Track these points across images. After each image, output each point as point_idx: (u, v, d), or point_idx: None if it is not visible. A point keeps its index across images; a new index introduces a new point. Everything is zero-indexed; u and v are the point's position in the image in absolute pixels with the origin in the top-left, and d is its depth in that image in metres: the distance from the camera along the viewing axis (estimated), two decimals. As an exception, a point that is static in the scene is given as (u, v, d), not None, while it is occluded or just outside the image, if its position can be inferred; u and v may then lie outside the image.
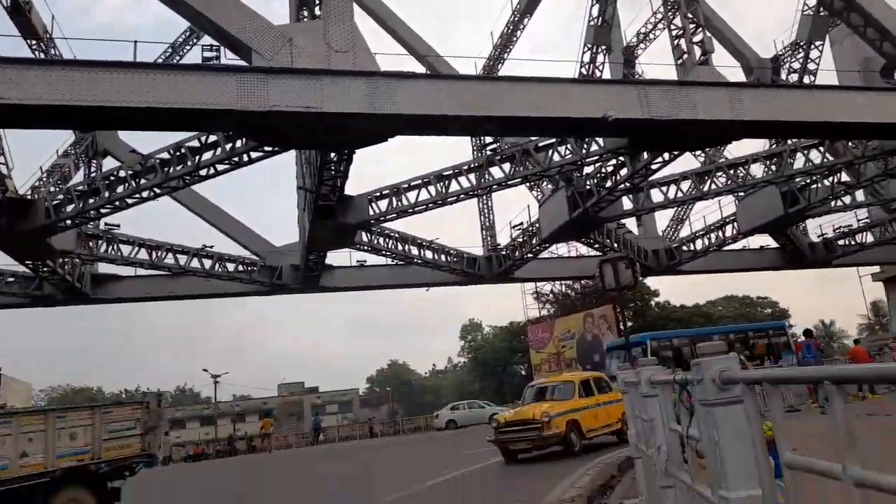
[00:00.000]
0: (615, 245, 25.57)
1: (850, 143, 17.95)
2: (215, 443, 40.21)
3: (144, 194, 15.96)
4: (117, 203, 16.16)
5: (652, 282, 51.90)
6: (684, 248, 28.39)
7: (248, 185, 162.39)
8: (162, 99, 10.94)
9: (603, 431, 12.91)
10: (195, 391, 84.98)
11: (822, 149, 18.75)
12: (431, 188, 18.10)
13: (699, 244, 27.60)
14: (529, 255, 24.86)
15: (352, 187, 19.33)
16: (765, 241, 30.54)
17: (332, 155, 14.29)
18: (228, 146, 14.77)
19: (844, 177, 20.47)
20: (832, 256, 30.57)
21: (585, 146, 16.06)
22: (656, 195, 21.02)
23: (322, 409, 60.49)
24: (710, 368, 2.11)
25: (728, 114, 14.17)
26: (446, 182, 17.95)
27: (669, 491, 3.51)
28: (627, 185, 17.80)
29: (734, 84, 14.55)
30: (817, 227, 32.95)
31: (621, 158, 17.74)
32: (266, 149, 14.19)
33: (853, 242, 30.02)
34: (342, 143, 13.33)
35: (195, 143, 15.07)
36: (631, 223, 28.78)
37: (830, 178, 20.65)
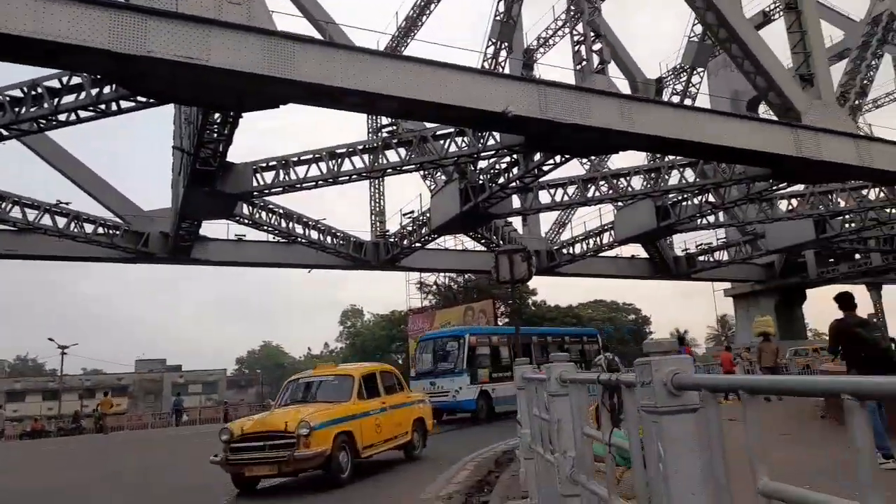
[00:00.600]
0: (501, 242, 26.08)
1: (721, 166, 19.32)
2: (59, 419, 36.60)
3: (-12, 134, 13.91)
4: (-48, 141, 13.98)
5: (531, 281, 53.88)
6: (564, 251, 29.57)
7: (114, 139, 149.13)
8: (18, 26, 9.48)
9: (386, 447, 9.93)
10: (39, 362, 77.16)
11: (694, 169, 20.06)
12: (322, 164, 17.33)
13: (578, 248, 28.83)
14: (417, 245, 24.70)
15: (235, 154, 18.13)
16: (636, 251, 32.61)
17: (216, 116, 13.23)
18: (94, 91, 13.20)
19: (711, 198, 22.05)
20: (692, 270, 33.19)
21: (483, 140, 16.04)
22: (544, 196, 21.57)
23: (184, 388, 57.04)
24: (661, 369, 1.80)
25: (618, 123, 14.66)
26: (339, 160, 17.25)
27: (573, 500, 3.28)
28: (519, 183, 18.05)
29: (626, 96, 15.10)
30: (682, 243, 35.79)
31: (515, 157, 18.00)
32: (139, 99, 12.82)
33: (711, 259, 32.79)
34: (228, 103, 12.31)
35: (55, 84, 13.34)
36: (517, 223, 29.57)
37: (700, 198, 22.20)
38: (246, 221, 20.83)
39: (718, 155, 16.95)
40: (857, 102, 19.00)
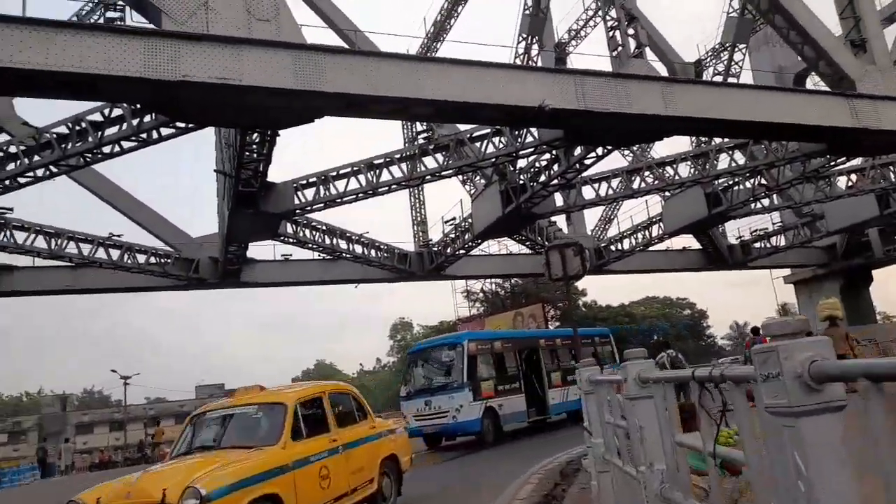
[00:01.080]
0: (546, 243, 25.60)
1: (772, 145, 18.46)
2: (125, 449, 37.61)
3: (39, 172, 14.35)
4: (7, 182, 14.46)
5: (580, 282, 52.97)
6: (612, 247, 28.80)
7: (160, 168, 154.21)
8: (55, 61, 9.69)
9: None
10: (105, 394, 79.90)
11: (744, 151, 19.22)
12: (361, 177, 17.29)
13: (626, 244, 28.05)
14: (461, 252, 24.44)
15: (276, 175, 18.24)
16: (687, 242, 31.57)
17: (254, 135, 13.29)
18: (135, 121, 13.47)
19: (764, 181, 21.09)
20: (748, 258, 31.87)
21: (520, 138, 15.71)
22: (588, 192, 21.05)
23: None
24: (792, 357, 1.38)
25: (661, 108, 14.13)
26: (377, 171, 17.18)
27: None
28: (560, 180, 17.61)
29: (667, 79, 14.57)
30: (736, 230, 34.48)
31: (555, 153, 17.59)
32: (178, 125, 13.00)
33: (768, 245, 31.42)
34: (264, 121, 12.36)
35: (97, 117, 13.67)
36: (561, 222, 29.03)
37: (752, 181, 21.27)
38: (291, 240, 20.97)
39: (769, 133, 16.16)
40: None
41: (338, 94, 11.27)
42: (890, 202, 24.59)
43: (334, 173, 17.48)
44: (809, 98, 15.94)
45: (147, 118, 13.41)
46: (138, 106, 13.04)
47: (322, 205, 17.46)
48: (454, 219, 24.09)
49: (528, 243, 24.82)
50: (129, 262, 21.79)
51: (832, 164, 19.61)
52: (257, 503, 5.65)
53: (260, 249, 26.82)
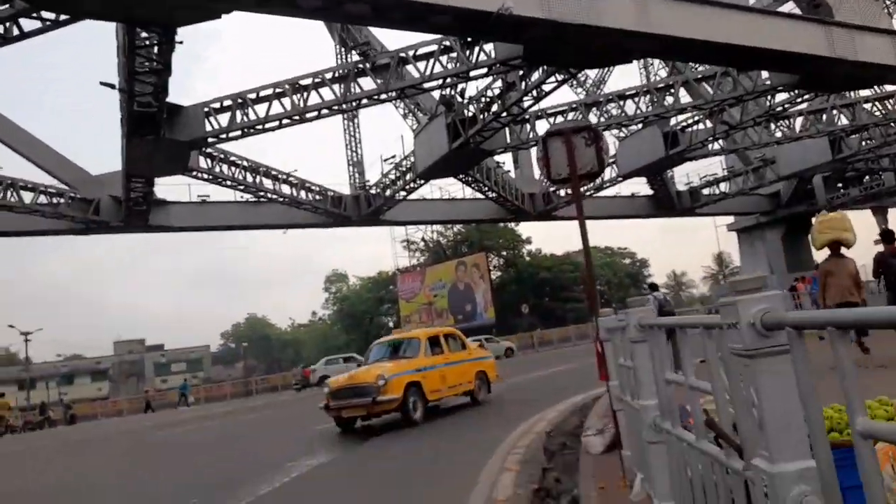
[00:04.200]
0: (494, 186, 23.79)
1: (740, 77, 17.05)
2: (26, 412, 34.30)
3: None
4: None
5: (525, 228, 51.78)
6: (560, 192, 27.31)
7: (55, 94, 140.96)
8: None
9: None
10: (11, 350, 74.05)
11: (711, 83, 17.76)
12: (286, 100, 14.76)
13: (576, 188, 26.59)
14: (402, 194, 22.33)
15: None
16: (636, 188, 30.55)
17: (144, 35, 10.63)
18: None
19: (726, 118, 19.79)
20: (696, 205, 31.18)
21: (472, 56, 13.56)
22: (541, 127, 19.16)
23: (167, 368, 54.85)
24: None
25: (634, 23, 12.33)
26: (304, 93, 14.68)
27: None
28: (516, 109, 15.67)
29: (642, -11, 12.63)
30: (685, 177, 33.71)
31: (510, 79, 15.57)
32: (44, 16, 10.17)
33: (716, 191, 30.75)
34: (154, 14, 9.73)
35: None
36: (508, 165, 27.28)
37: (712, 118, 19.97)
38: (205, 177, 18.30)
39: (745, 59, 14.63)
40: (892, -6, 16.74)
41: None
42: (842, 147, 23.97)
43: (253, 95, 14.87)
44: (788, 23, 14.46)
45: (2, 6, 10.46)
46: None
47: (239, 132, 14.88)
48: (394, 156, 21.95)
49: (474, 186, 22.92)
50: (12, 200, 18.60)
51: (797, 100, 18.47)
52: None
53: (174, 190, 23.91)
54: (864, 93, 21.10)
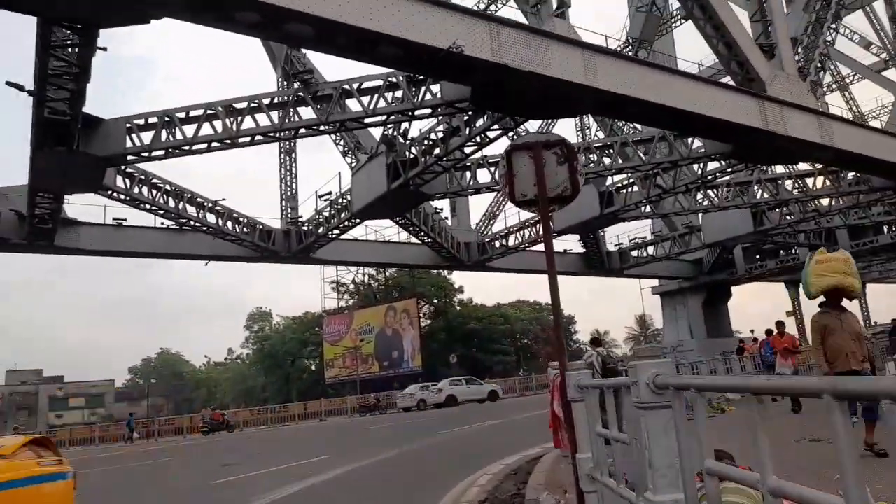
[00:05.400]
0: (431, 232, 23.36)
1: (677, 142, 17.55)
2: None
3: None
4: None
5: (458, 277, 51.52)
6: (497, 243, 27.23)
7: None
8: None
9: None
10: None
11: (648, 146, 18.19)
12: (217, 122, 13.90)
13: (512, 240, 26.57)
14: (335, 232, 21.52)
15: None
16: (568, 245, 30.92)
17: (61, 34, 9.71)
18: None
19: (660, 181, 20.30)
20: (625, 266, 31.82)
21: (419, 94, 13.24)
22: (483, 176, 19.02)
23: (64, 403, 50.31)
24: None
25: (582, 77, 12.37)
26: (238, 117, 13.88)
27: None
28: (458, 153, 15.41)
29: (590, 46, 12.79)
30: (614, 238, 34.55)
31: (454, 123, 15.36)
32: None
33: (644, 254, 31.54)
34: (78, 12, 8.88)
35: None
36: (445, 213, 27.02)
37: (647, 182, 20.44)
38: (123, 197, 16.96)
39: (684, 123, 15.03)
40: (816, 77, 17.78)
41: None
42: (764, 219, 25.10)
43: (182, 114, 13.93)
44: (726, 93, 15.00)
45: None
46: None
47: (163, 151, 13.83)
48: (330, 193, 21.16)
49: (411, 229, 22.41)
50: None
51: (728, 169, 19.18)
52: None
53: (88, 210, 22.22)
54: (780, 170, 22.34)
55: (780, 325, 14.24)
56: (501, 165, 4.41)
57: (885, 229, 27.93)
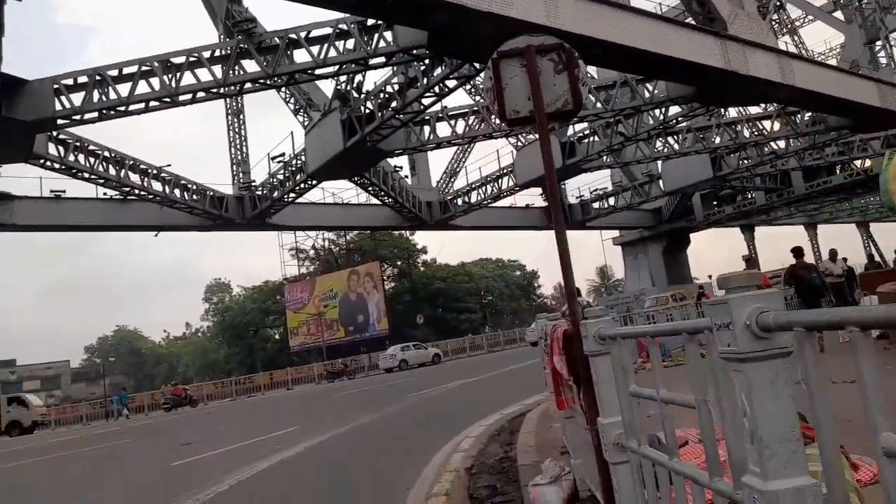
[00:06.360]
0: (391, 192, 22.65)
1: (639, 87, 17.17)
2: None
3: None
4: None
5: (420, 237, 50.95)
6: (459, 200, 26.73)
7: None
8: None
9: None
10: None
11: (610, 91, 17.76)
12: (155, 80, 12.83)
13: (474, 196, 26.10)
14: (291, 196, 20.63)
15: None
16: (531, 199, 30.67)
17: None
18: None
19: (622, 129, 20.00)
20: (587, 218, 31.81)
21: (372, 42, 12.42)
22: (443, 129, 18.35)
23: (18, 386, 48.49)
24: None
25: (543, 18, 11.78)
26: (177, 73, 12.83)
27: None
28: (417, 105, 14.69)
29: (551, -15, 12.10)
30: (575, 190, 34.39)
31: (411, 73, 14.59)
32: None
33: (606, 205, 31.50)
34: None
35: None
36: (405, 172, 26.30)
37: (609, 130, 20.11)
38: (57, 166, 15.75)
39: (647, 65, 14.60)
40: (774, 16, 17.56)
41: None
42: (722, 164, 25.17)
43: (115, 72, 12.80)
44: (688, 33, 14.59)
45: None
46: None
47: (96, 113, 12.73)
48: (283, 155, 20.21)
49: (370, 190, 21.67)
50: None
51: (690, 113, 18.97)
52: None
53: (22, 183, 20.78)
54: (735, 114, 22.30)
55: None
56: (487, 77, 3.82)
57: (838, 169, 28.42)
